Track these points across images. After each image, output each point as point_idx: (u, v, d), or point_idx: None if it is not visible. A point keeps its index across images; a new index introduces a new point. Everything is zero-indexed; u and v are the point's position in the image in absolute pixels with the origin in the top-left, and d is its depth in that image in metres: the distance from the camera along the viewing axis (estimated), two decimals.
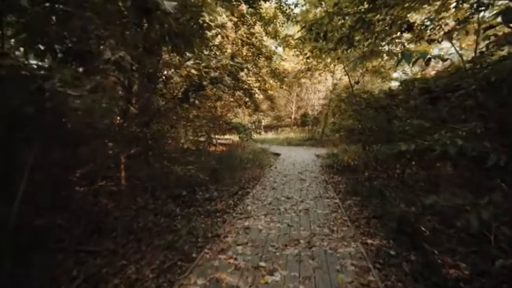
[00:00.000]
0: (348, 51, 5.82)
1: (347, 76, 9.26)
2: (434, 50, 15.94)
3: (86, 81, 2.35)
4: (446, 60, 2.27)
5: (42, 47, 2.35)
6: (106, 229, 3.99)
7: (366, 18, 4.14)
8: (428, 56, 1.76)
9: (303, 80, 18.05)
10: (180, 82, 4.05)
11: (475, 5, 3.95)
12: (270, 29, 8.43)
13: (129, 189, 5.32)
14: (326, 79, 18.44)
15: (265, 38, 9.29)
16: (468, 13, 4.49)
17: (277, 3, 7.48)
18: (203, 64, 3.58)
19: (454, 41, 7.95)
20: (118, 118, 5.38)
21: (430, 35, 4.12)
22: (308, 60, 9.91)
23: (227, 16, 8.37)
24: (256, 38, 8.94)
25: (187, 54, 3.48)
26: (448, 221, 3.74)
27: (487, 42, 2.66)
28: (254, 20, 8.02)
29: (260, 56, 9.42)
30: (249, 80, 10.53)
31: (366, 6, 3.91)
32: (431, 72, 15.51)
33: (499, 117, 2.20)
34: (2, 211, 2.42)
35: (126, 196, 5.13)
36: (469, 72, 2.61)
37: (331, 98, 16.70)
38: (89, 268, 3.04)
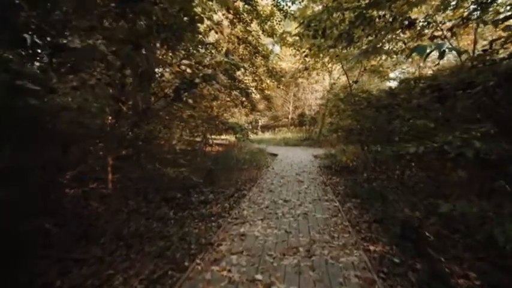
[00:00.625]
0: (347, 49, 5.67)
1: (345, 75, 9.15)
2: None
3: (64, 77, 2.14)
4: (463, 53, 2.10)
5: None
6: (95, 234, 3.79)
7: (366, 14, 3.98)
8: (444, 48, 1.59)
9: (300, 80, 17.91)
10: (171, 80, 3.85)
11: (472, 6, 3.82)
12: (266, 27, 8.24)
13: (121, 192, 5.13)
14: (324, 78, 18.34)
15: (262, 36, 9.10)
16: (467, 12, 4.37)
17: (273, 0, 7.31)
18: (195, 60, 3.37)
19: (451, 41, 7.85)
20: (109, 118, 5.18)
21: (433, 31, 3.97)
22: (306, 59, 9.77)
23: (223, 14, 8.18)
24: (252, 36, 8.76)
25: (180, 50, 3.28)
26: (452, 225, 3.60)
27: (490, 39, 2.52)
28: (250, 17, 7.84)
29: (257, 54, 9.24)
30: (245, 80, 10.35)
31: (367, 0, 3.75)
32: (428, 72, 15.49)
33: None
34: None
35: (118, 199, 4.94)
36: (475, 69, 2.45)
37: (328, 98, 16.60)
38: (73, 279, 2.83)
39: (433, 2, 5.79)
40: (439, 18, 5.34)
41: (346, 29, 4.06)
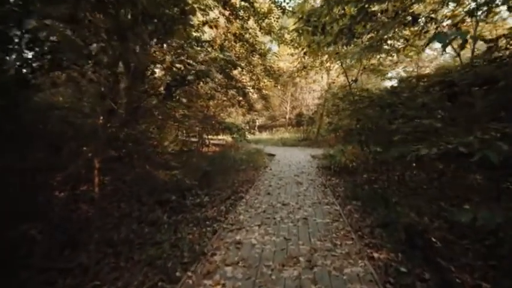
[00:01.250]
0: (347, 47, 5.49)
1: (344, 74, 8.98)
2: (426, 50, 15.86)
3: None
4: (489, 41, 1.92)
5: None
6: (83, 240, 3.58)
7: (368, 8, 3.80)
8: (468, 36, 1.40)
9: (297, 80, 17.75)
10: (162, 77, 3.63)
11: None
12: (264, 24, 8.04)
13: (113, 194, 4.93)
14: (322, 78, 18.20)
15: (259, 35, 8.91)
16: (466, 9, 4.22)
17: None
18: (187, 55, 3.15)
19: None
20: (101, 118, 4.97)
21: (437, 27, 3.80)
22: (304, 57, 9.59)
23: (219, 12, 7.97)
24: (250, 34, 8.55)
25: (171, 44, 3.07)
26: (458, 228, 3.43)
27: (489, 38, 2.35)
28: (247, 14, 7.63)
29: (254, 53, 9.03)
30: (242, 79, 10.16)
31: None
32: (424, 72, 15.41)
33: None
34: None
35: (110, 202, 4.75)
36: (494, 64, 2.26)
37: (326, 97, 16.46)
38: None
39: None
40: (439, 16, 5.19)
41: (348, 24, 3.87)
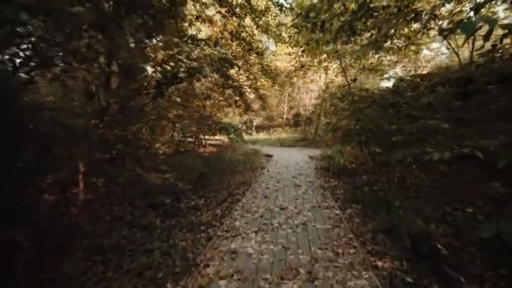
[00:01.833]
0: (347, 46, 5.34)
1: (342, 74, 8.84)
2: (424, 51, 15.80)
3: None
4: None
5: None
6: (71, 247, 3.39)
7: (370, 3, 3.64)
8: (496, 25, 1.23)
9: (295, 79, 17.62)
10: (151, 75, 3.43)
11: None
12: (261, 22, 7.86)
13: (105, 197, 4.76)
14: (320, 77, 18.08)
15: (256, 32, 8.73)
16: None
17: None
18: (176, 50, 2.94)
19: (448, 40, 7.59)
20: (93, 118, 4.78)
21: (441, 24, 3.65)
22: (303, 56, 9.44)
23: (216, 10, 7.79)
24: (246, 32, 8.37)
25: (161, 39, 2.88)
26: (464, 233, 3.28)
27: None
28: (244, 12, 7.45)
29: (251, 51, 8.85)
30: (239, 78, 9.99)
31: None
32: (422, 72, 15.35)
33: None
34: None
35: (101, 205, 4.57)
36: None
37: (324, 97, 16.35)
38: None
39: None
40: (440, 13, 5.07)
41: (348, 21, 3.71)
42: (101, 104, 4.28)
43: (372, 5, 3.71)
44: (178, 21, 2.55)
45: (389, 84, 18.05)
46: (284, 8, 6.62)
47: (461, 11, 4.66)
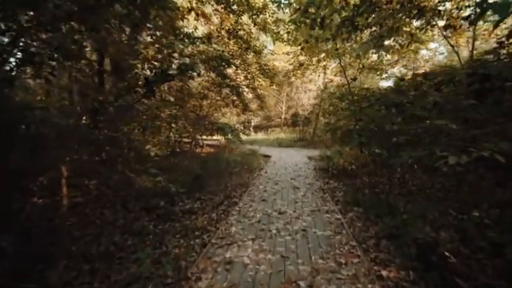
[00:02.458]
0: (347, 42, 5.17)
1: (342, 73, 8.69)
2: (422, 50, 15.72)
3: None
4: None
5: None
6: (58, 254, 3.20)
7: None
8: None
9: (293, 79, 17.48)
10: (141, 71, 3.24)
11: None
12: (259, 20, 7.69)
13: (98, 200, 4.58)
14: (318, 77, 17.95)
15: (254, 31, 8.56)
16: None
17: None
18: (167, 44, 2.75)
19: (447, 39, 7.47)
20: (83, 118, 4.59)
21: (447, 19, 3.49)
22: (301, 54, 9.28)
23: (213, 8, 7.61)
24: (244, 30, 8.18)
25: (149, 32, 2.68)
26: (470, 238, 3.12)
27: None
28: (241, 9, 7.27)
29: (248, 50, 8.67)
30: (237, 78, 9.82)
31: None
32: (420, 72, 15.27)
33: None
34: None
35: (92, 208, 4.40)
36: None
37: (322, 97, 16.21)
38: None
39: None
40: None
41: (350, 16, 3.54)
42: (92, 104, 4.09)
43: (374, 0, 3.55)
44: (169, 13, 2.37)
45: (387, 83, 17.95)
46: (282, 5, 6.45)
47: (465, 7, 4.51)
